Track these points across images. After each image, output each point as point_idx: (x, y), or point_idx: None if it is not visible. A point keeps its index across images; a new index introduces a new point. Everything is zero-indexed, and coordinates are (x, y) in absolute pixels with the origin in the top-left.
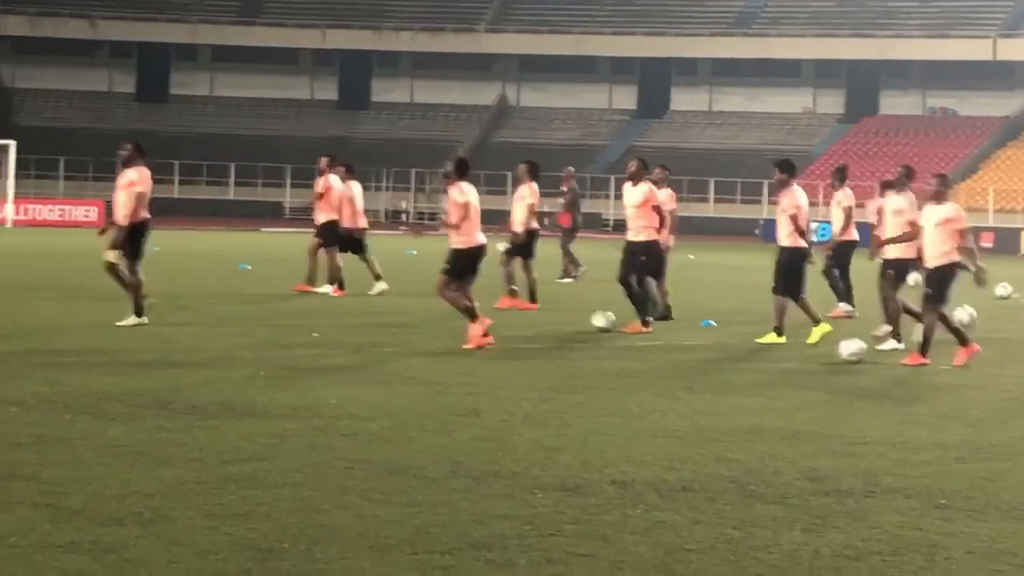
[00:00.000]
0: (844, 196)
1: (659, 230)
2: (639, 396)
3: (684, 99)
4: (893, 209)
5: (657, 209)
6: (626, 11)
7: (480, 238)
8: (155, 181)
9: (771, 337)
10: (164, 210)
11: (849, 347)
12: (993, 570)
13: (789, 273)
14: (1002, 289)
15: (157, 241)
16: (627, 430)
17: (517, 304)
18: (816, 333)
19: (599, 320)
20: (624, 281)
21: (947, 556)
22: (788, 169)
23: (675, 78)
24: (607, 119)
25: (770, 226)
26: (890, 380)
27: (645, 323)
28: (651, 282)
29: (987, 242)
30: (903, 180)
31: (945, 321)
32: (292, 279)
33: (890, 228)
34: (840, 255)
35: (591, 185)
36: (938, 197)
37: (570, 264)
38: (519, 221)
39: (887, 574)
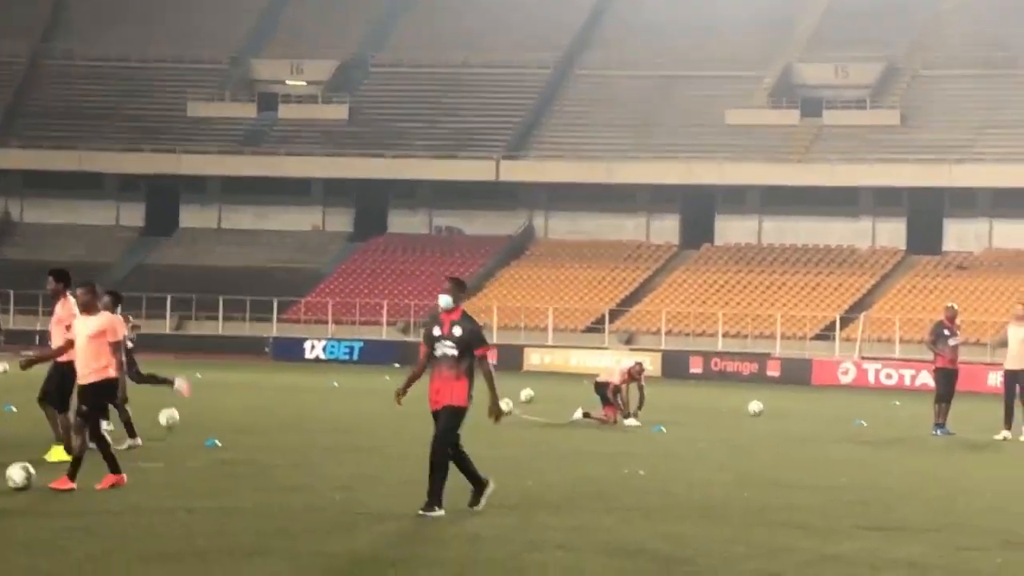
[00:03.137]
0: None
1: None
2: (138, 518)
3: (193, 216)
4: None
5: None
6: (134, 128)
7: None
8: None
9: (58, 453)
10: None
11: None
12: None
13: (59, 385)
14: (504, 405)
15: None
16: (126, 553)
17: None
18: (56, 453)
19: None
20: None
21: None
22: (64, 278)
23: (184, 195)
24: (115, 236)
25: (279, 344)
26: (390, 499)
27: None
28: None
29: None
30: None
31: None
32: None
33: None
34: None
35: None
36: (89, 309)
37: None
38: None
39: None
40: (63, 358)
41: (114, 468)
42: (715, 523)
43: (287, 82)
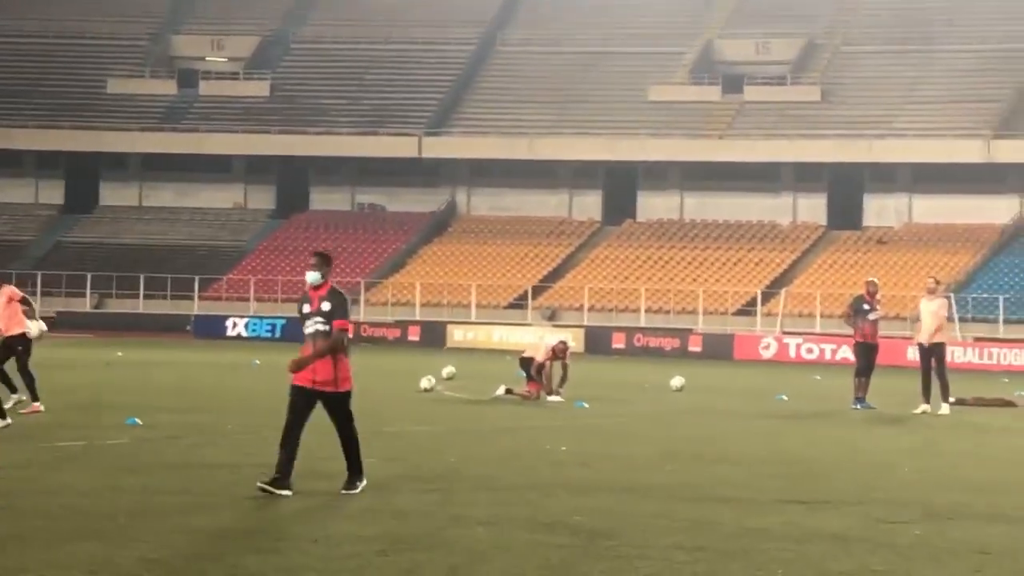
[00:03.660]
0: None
1: None
2: (63, 497)
3: (113, 194)
4: None
5: None
6: (52, 105)
7: None
8: None
9: None
10: None
11: None
12: None
13: None
14: (426, 382)
15: None
16: (47, 532)
17: None
18: None
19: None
20: None
21: None
22: None
23: (104, 172)
24: (34, 214)
25: (201, 321)
26: (313, 474)
27: None
28: None
29: (415, 335)
30: None
31: None
32: None
33: None
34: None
35: (16, 281)
36: None
37: None
38: None
39: None
40: None
41: None
42: (638, 497)
43: (207, 58)
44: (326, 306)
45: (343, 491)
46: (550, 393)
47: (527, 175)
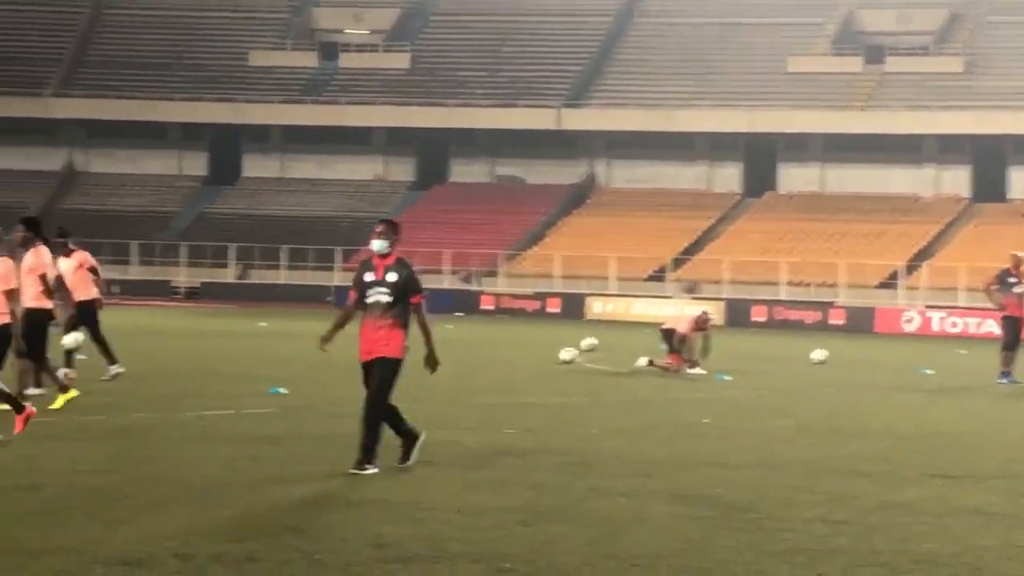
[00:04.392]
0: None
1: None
2: (206, 466)
3: (256, 165)
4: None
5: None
6: (195, 77)
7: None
8: None
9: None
10: None
11: None
12: None
13: (32, 335)
14: (566, 353)
15: None
16: (192, 501)
17: None
18: (61, 399)
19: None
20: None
21: None
22: (34, 226)
23: (246, 144)
24: (177, 185)
25: (342, 292)
26: (456, 444)
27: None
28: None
29: (554, 307)
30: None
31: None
32: None
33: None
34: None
35: (161, 252)
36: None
37: None
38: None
39: None
40: (37, 304)
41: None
42: (777, 470)
43: (348, 31)
44: (391, 276)
45: (352, 470)
46: (692, 366)
47: (666, 147)
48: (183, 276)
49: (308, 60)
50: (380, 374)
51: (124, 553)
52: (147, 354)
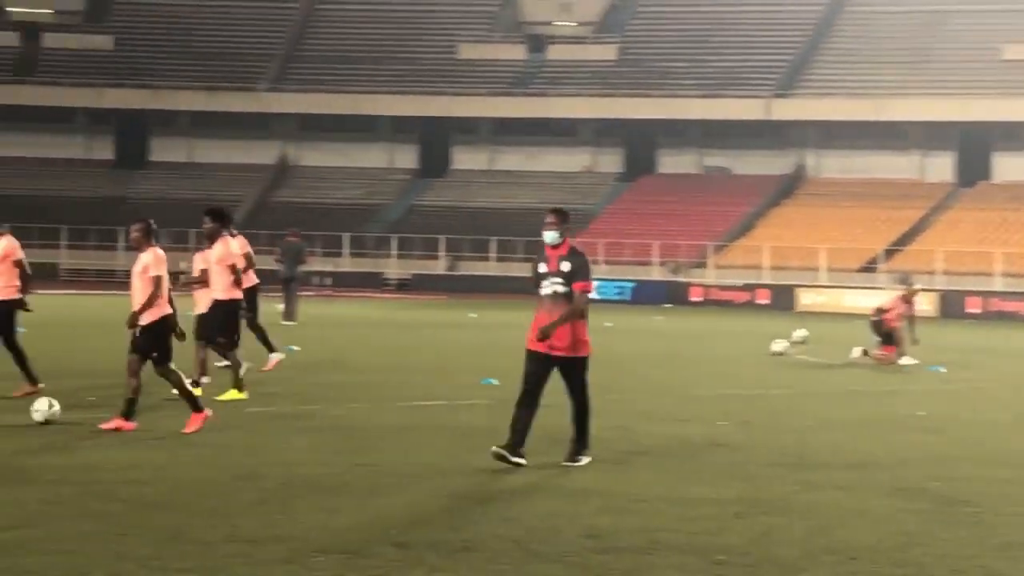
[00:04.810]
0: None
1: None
2: (420, 456)
3: (465, 158)
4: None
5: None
6: (405, 71)
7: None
8: None
9: (232, 394)
10: None
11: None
12: None
13: (227, 325)
14: (778, 345)
15: None
16: (408, 491)
17: None
18: (232, 394)
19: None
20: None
21: None
22: (220, 218)
23: (455, 137)
24: (388, 178)
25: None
26: (669, 436)
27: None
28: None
29: (764, 299)
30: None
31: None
32: (65, 342)
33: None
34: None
35: (372, 244)
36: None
37: None
38: None
39: None
40: (226, 296)
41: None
42: (996, 464)
43: (555, 23)
44: (565, 266)
45: (565, 463)
46: (900, 356)
47: (876, 136)
48: (394, 268)
49: (516, 53)
50: (576, 377)
51: (343, 542)
52: (360, 345)
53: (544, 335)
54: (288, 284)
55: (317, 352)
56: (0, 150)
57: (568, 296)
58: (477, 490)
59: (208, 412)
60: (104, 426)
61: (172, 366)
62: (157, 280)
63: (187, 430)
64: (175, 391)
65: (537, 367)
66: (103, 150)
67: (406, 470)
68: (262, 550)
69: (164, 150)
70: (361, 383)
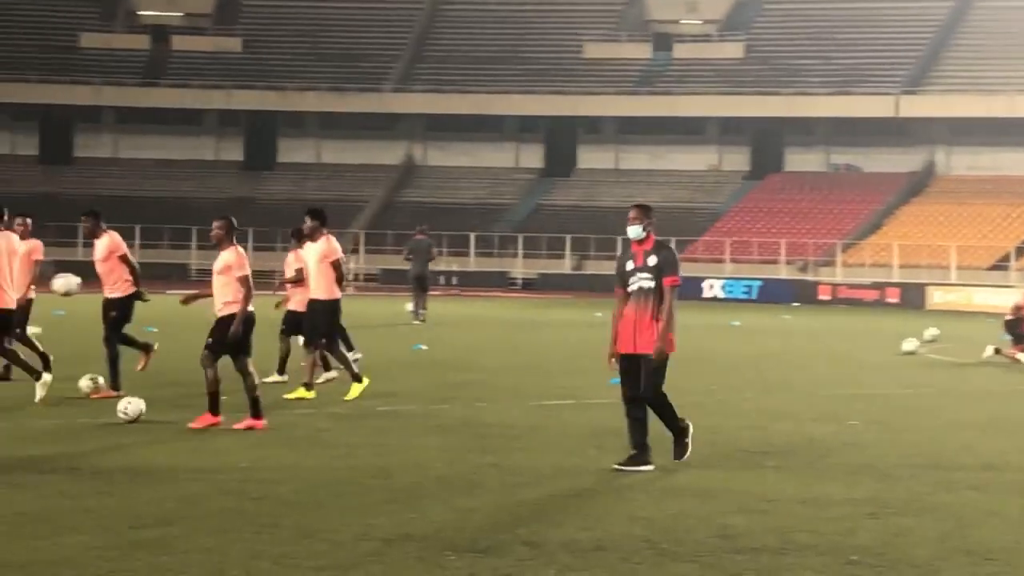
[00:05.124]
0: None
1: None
2: (550, 455)
3: (590, 157)
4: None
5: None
6: (530, 70)
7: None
8: (59, 244)
9: (300, 392)
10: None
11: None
12: None
13: (329, 323)
14: (909, 344)
15: (65, 304)
16: (539, 489)
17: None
18: (356, 389)
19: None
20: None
21: None
22: (320, 217)
23: (581, 136)
24: (514, 178)
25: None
26: (800, 436)
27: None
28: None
29: (893, 297)
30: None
31: None
32: (198, 341)
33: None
34: None
35: (498, 244)
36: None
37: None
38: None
39: None
40: (327, 295)
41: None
42: None
43: (682, 21)
44: (652, 260)
45: (675, 459)
46: None
47: (1007, 133)
48: (520, 267)
49: (642, 51)
50: (651, 374)
51: (475, 540)
52: (487, 344)
53: (661, 354)
54: (419, 282)
55: (444, 351)
56: (131, 152)
57: (655, 291)
58: (606, 489)
59: (220, 419)
60: (237, 426)
61: (251, 368)
62: (246, 280)
63: (193, 425)
64: (252, 391)
65: (629, 369)
66: (232, 151)
67: (536, 469)
68: (394, 548)
69: (292, 151)
70: (489, 382)
